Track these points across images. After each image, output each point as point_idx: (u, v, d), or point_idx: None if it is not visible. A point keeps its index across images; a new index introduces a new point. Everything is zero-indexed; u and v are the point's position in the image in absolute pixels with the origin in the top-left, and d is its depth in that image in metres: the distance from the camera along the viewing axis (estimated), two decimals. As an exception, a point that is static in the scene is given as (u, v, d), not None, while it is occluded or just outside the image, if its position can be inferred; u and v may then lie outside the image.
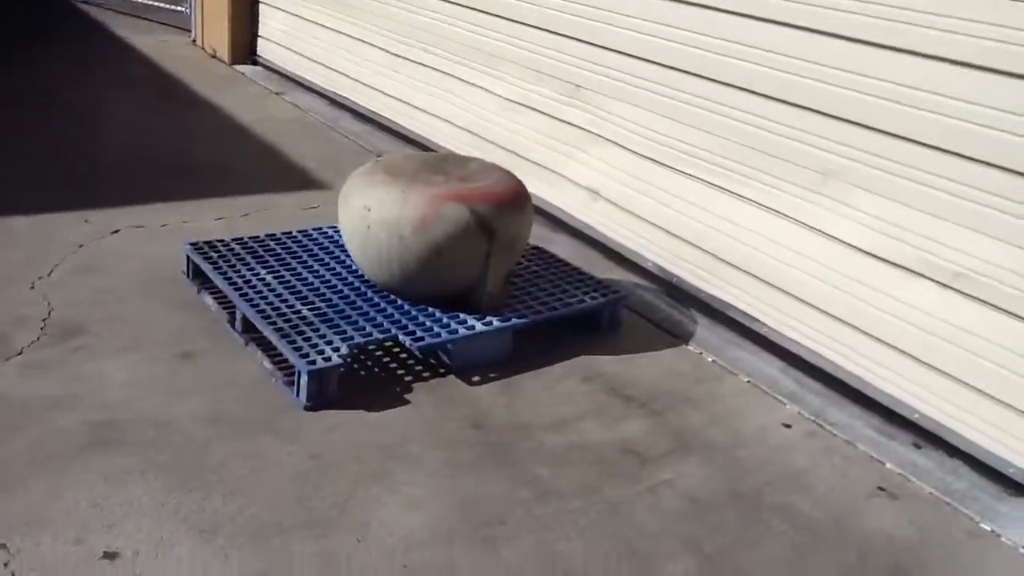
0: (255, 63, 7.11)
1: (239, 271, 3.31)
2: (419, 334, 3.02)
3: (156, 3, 8.25)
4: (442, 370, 3.10)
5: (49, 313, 3.15)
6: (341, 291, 3.26)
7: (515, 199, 3.20)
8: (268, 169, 4.87)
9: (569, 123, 4.24)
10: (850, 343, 3.11)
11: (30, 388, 2.73)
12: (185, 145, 5.07)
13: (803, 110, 3.17)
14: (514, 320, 3.19)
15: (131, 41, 7.45)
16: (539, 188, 4.44)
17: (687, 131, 3.62)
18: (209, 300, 3.33)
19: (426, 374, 3.08)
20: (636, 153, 3.88)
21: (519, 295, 3.37)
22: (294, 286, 3.25)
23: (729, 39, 3.40)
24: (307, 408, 2.79)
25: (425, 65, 5.24)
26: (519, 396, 3.00)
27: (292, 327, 2.97)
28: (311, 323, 3.01)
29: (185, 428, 2.63)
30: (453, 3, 4.92)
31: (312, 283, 3.29)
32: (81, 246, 3.71)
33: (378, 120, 5.71)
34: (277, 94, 6.43)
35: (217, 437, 2.60)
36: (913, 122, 2.84)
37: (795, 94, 3.18)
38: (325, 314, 3.08)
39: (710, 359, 3.36)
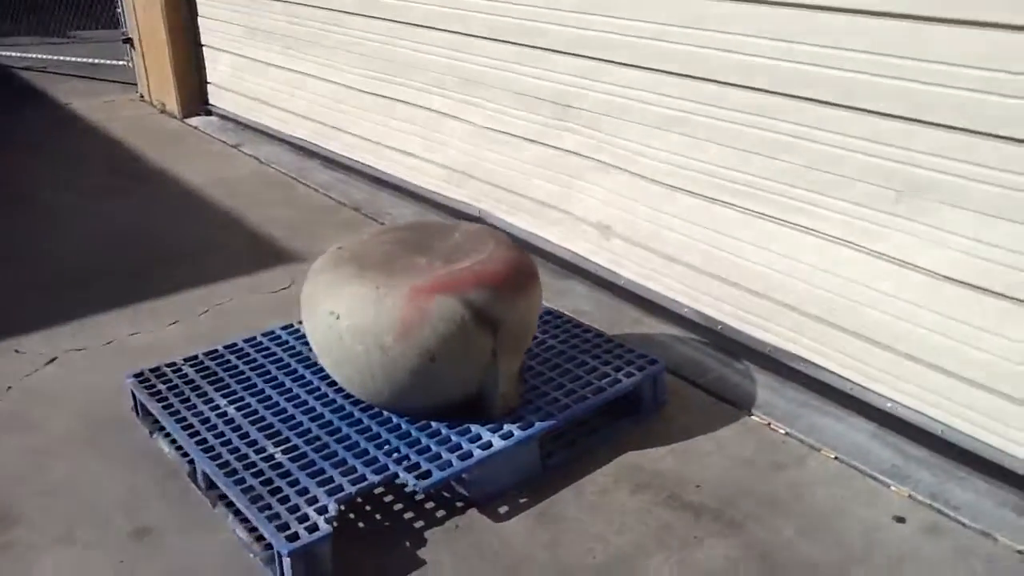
0: (208, 113, 6.47)
1: (194, 406, 2.69)
2: (424, 467, 2.39)
3: (97, 60, 7.59)
4: (460, 503, 2.48)
5: (-34, 499, 2.53)
6: (321, 415, 2.64)
7: (519, 276, 2.57)
8: (228, 246, 4.23)
9: (568, 151, 3.60)
10: (961, 398, 2.49)
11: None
12: (133, 231, 4.43)
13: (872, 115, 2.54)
14: (538, 424, 2.56)
15: (75, 107, 6.79)
16: (541, 228, 3.81)
17: (719, 152, 2.99)
18: (164, 445, 2.71)
19: (440, 512, 2.46)
20: (655, 181, 3.24)
21: (535, 382, 2.75)
22: (263, 418, 2.63)
23: (783, 37, 2.77)
24: (294, 595, 2.18)
25: (393, 98, 4.59)
26: (560, 526, 2.38)
27: (264, 483, 2.35)
28: (287, 473, 2.39)
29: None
30: (412, 24, 4.28)
31: (284, 410, 2.67)
32: (9, 388, 3.09)
33: (350, 166, 5.07)
34: (234, 147, 5.79)
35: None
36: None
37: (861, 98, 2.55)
38: (304, 455, 2.46)
39: (782, 431, 2.73)
